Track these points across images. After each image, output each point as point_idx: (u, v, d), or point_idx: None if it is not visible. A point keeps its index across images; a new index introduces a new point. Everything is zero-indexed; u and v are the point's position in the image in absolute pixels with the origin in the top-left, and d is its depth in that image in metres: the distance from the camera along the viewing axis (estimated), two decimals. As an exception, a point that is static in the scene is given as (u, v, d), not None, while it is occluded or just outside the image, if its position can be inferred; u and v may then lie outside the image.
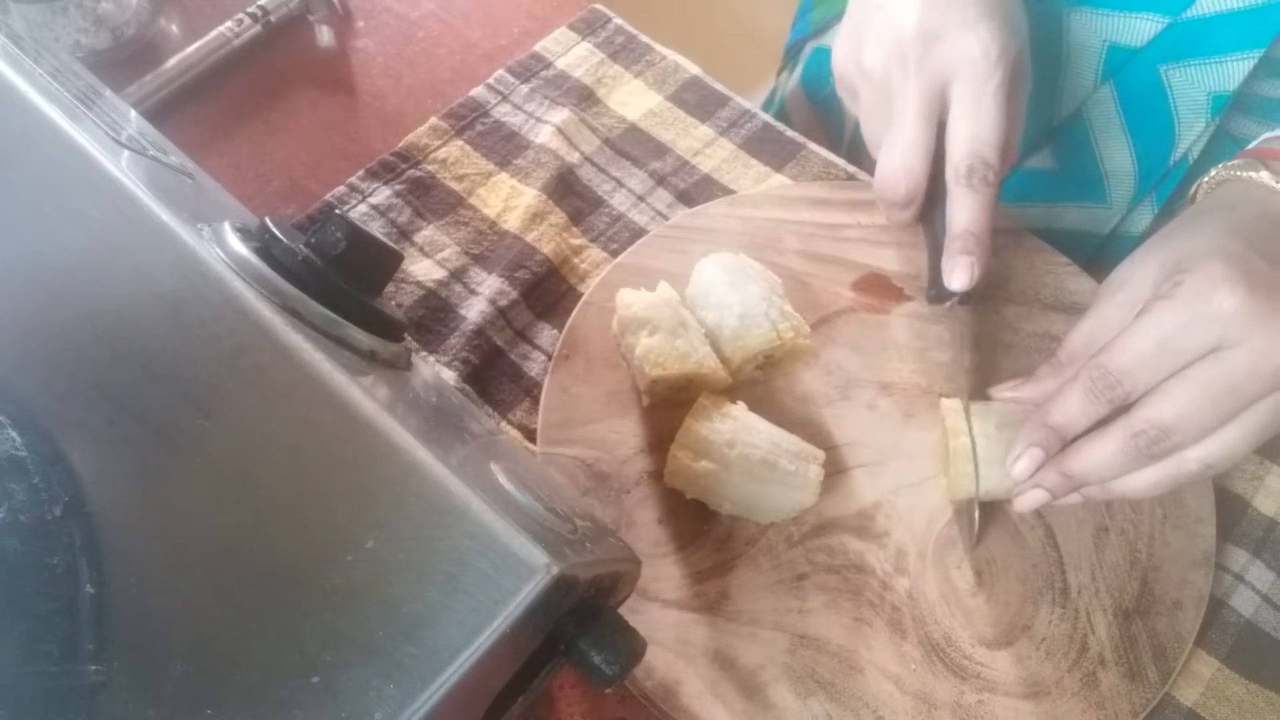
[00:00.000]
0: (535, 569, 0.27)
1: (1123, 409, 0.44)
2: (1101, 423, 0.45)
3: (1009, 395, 0.51)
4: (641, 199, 0.62)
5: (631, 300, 0.52)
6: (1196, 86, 0.58)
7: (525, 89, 0.66)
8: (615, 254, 0.59)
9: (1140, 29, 0.57)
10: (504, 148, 0.63)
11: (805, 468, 0.48)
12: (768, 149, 0.65)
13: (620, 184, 0.63)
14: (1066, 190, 0.65)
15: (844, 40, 0.53)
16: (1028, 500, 0.47)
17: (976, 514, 0.49)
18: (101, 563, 0.28)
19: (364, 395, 0.29)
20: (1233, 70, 0.56)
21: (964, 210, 0.48)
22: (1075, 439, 0.46)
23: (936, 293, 0.50)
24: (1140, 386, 0.43)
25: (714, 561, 0.49)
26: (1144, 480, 0.45)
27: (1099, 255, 0.67)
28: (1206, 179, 0.53)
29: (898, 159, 0.49)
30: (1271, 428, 0.43)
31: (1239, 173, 0.51)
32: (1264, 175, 0.49)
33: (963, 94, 0.48)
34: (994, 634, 0.48)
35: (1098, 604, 0.49)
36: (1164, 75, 0.58)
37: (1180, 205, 0.60)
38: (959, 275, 0.49)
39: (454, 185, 0.62)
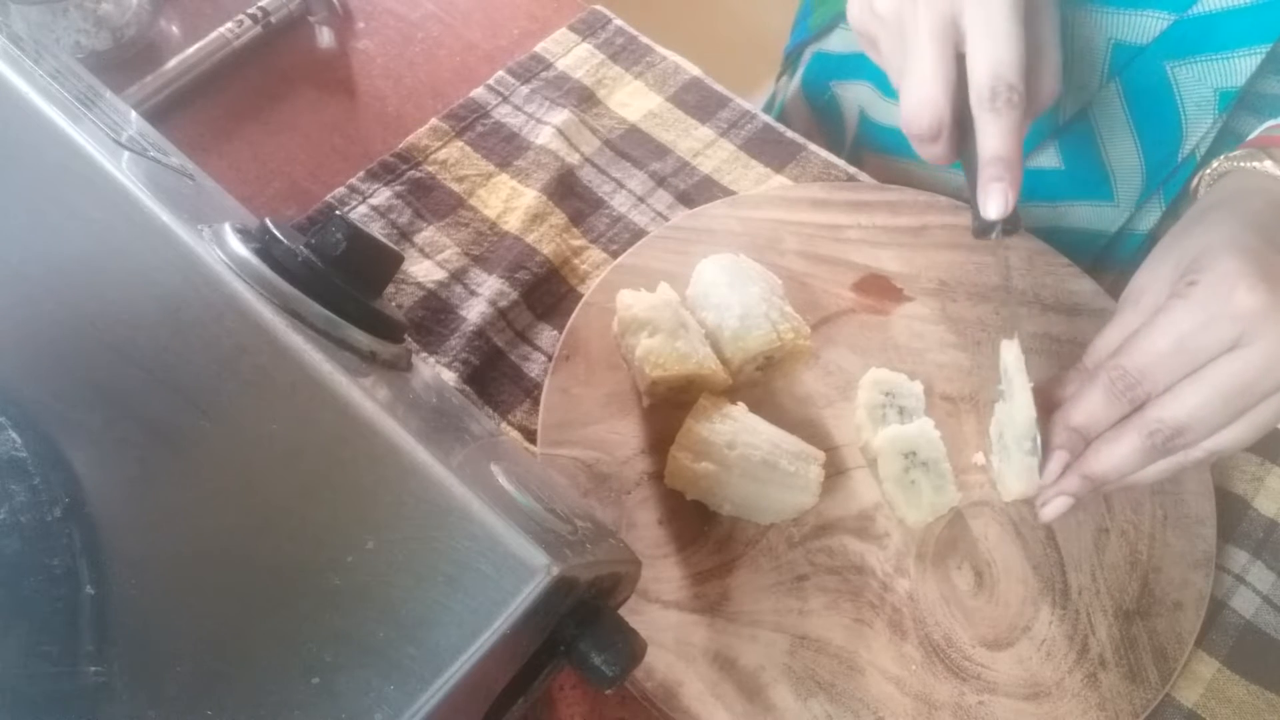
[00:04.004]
0: (535, 570, 0.27)
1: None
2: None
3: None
4: (642, 200, 0.62)
5: (632, 301, 0.52)
6: (1203, 83, 0.58)
7: (525, 90, 0.66)
8: (615, 255, 0.59)
9: (1146, 26, 0.57)
10: (504, 149, 0.63)
11: (805, 469, 0.48)
12: (768, 150, 0.65)
13: (620, 185, 0.63)
14: (1073, 189, 0.65)
15: None
16: (1053, 508, 0.48)
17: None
18: (102, 564, 0.28)
19: (364, 396, 0.29)
20: (1240, 66, 0.56)
21: (991, 136, 0.46)
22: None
23: (979, 225, 0.49)
24: (1160, 386, 0.44)
25: (714, 563, 0.49)
26: (1152, 471, 0.46)
27: (1106, 253, 0.67)
28: (1208, 171, 0.53)
29: (917, 93, 0.48)
30: (1278, 420, 0.44)
31: (1241, 163, 0.51)
32: (1268, 164, 0.49)
33: (975, 18, 0.46)
34: (994, 635, 0.48)
35: (1098, 605, 0.49)
36: (1170, 72, 0.58)
37: (1183, 204, 0.60)
38: (993, 203, 0.47)
39: (454, 186, 0.62)
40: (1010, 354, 0.49)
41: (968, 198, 0.50)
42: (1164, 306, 0.44)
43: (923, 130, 0.48)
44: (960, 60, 0.47)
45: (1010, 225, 0.48)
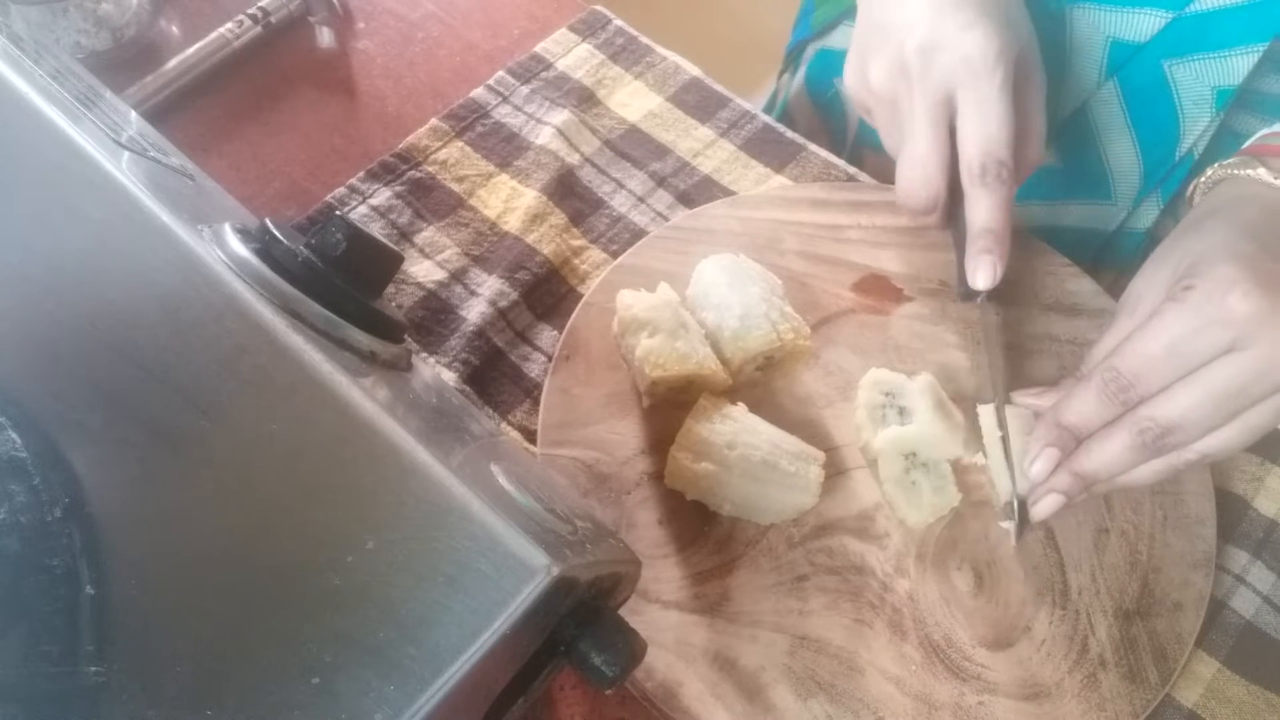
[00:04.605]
0: (535, 570, 0.27)
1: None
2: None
3: (1031, 402, 0.51)
4: (642, 200, 0.62)
5: (632, 301, 0.52)
6: (1201, 81, 0.58)
7: (525, 90, 0.66)
8: (615, 255, 0.59)
9: (1143, 24, 0.57)
10: (504, 149, 0.63)
11: (805, 469, 0.48)
12: (768, 150, 0.65)
13: (620, 185, 0.63)
14: (1071, 188, 0.66)
15: (851, 62, 0.55)
16: (1045, 506, 0.48)
17: (1016, 508, 0.49)
18: (102, 564, 0.28)
19: (364, 396, 0.29)
20: (1237, 65, 0.56)
21: (981, 210, 0.49)
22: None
23: (964, 291, 0.51)
24: (1153, 389, 0.45)
25: (714, 563, 0.49)
26: (1145, 473, 0.46)
27: (1105, 252, 0.67)
28: (1203, 178, 0.53)
29: (914, 171, 0.50)
30: (1272, 424, 0.44)
31: (1236, 171, 0.51)
32: (1262, 172, 0.50)
33: (967, 96, 0.48)
34: (994, 635, 0.48)
35: (1098, 605, 0.49)
36: (1168, 71, 0.58)
37: (1180, 202, 0.61)
38: (982, 274, 0.50)
39: (454, 186, 0.62)
40: (987, 419, 0.50)
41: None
42: (1159, 311, 0.44)
43: (919, 206, 0.51)
44: (953, 134, 0.50)
45: (995, 292, 0.50)
